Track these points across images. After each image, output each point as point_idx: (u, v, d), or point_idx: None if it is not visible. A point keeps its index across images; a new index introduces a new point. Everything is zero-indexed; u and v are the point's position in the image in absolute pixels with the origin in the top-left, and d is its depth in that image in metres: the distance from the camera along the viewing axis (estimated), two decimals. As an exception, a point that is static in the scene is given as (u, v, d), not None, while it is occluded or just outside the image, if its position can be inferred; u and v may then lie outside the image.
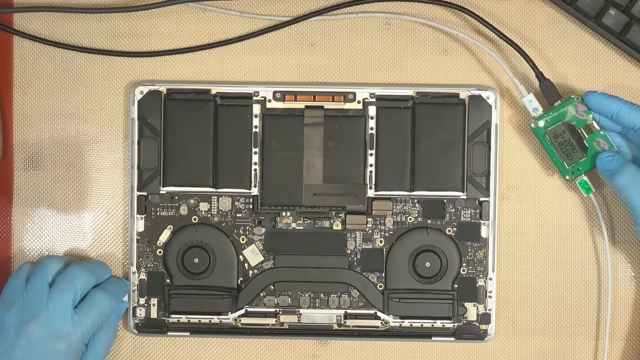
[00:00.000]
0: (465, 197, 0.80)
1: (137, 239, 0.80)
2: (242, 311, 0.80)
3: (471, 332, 0.80)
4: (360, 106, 0.80)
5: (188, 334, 0.81)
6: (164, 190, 0.80)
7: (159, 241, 0.81)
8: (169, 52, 0.81)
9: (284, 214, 0.80)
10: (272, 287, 0.80)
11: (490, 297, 0.80)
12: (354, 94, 0.80)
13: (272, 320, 0.81)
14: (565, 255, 0.81)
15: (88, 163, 0.82)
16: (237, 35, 0.81)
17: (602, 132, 0.77)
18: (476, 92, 0.79)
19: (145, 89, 0.80)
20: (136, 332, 0.81)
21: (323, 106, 0.80)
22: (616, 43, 0.79)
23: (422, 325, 0.80)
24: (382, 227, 0.80)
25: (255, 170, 0.80)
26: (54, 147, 0.82)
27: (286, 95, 0.80)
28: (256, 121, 0.80)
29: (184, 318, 0.81)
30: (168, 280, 0.81)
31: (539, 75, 0.78)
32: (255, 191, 0.80)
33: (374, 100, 0.80)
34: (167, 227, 0.81)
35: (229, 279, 0.80)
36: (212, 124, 0.80)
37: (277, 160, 0.80)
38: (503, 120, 0.81)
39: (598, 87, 0.80)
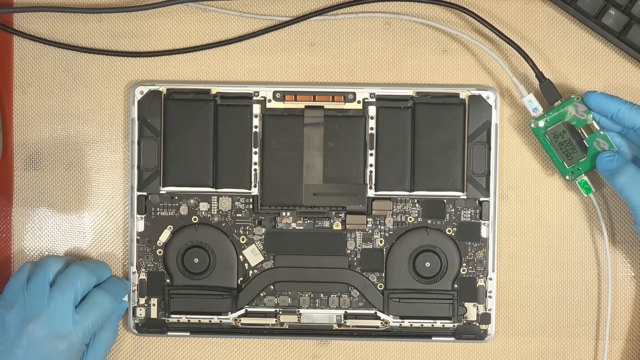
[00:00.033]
0: (465, 197, 0.80)
1: (137, 239, 0.80)
2: (242, 311, 0.80)
3: (471, 332, 0.80)
4: (360, 106, 0.80)
5: (188, 334, 0.81)
6: (164, 190, 0.80)
7: (159, 241, 0.81)
8: (169, 52, 0.81)
9: (284, 214, 0.80)
10: (272, 287, 0.80)
11: (490, 297, 0.80)
12: (354, 94, 0.80)
13: (272, 320, 0.81)
14: (565, 255, 0.81)
15: (88, 163, 0.82)
16: (237, 35, 0.81)
17: (602, 132, 0.77)
18: (476, 92, 0.79)
19: (145, 89, 0.80)
20: (136, 332, 0.81)
21: (323, 106, 0.80)
22: (616, 43, 0.79)
23: (422, 325, 0.80)
24: (382, 227, 0.80)
25: (255, 170, 0.80)
26: (54, 147, 0.82)
27: (286, 95, 0.80)
28: (256, 121, 0.80)
29: (184, 318, 0.80)
30: (168, 280, 0.81)
31: (539, 75, 0.78)
32: (255, 191, 0.80)
33: (374, 100, 0.80)
34: (167, 227, 0.80)
35: (229, 279, 0.80)
36: (212, 124, 0.80)
37: (277, 160, 0.80)
38: (503, 120, 0.81)
39: (598, 87, 0.80)
